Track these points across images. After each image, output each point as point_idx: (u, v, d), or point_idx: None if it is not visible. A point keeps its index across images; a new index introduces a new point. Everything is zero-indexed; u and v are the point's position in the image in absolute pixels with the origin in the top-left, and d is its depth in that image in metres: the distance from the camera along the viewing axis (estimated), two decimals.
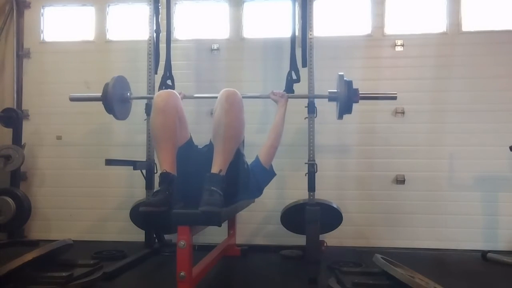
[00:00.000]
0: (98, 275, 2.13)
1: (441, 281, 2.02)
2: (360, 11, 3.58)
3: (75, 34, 3.81)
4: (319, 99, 2.88)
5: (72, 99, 3.02)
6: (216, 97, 2.02)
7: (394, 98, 2.88)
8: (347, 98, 2.64)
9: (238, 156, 2.05)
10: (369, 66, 3.48)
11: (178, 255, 1.69)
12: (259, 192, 2.49)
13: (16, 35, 3.75)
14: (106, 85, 2.80)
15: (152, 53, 3.16)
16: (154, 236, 3.18)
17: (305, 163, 2.80)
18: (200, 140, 2.29)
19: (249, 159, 2.36)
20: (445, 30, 3.48)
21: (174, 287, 1.70)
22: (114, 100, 2.80)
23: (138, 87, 3.22)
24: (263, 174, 2.43)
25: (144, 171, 3.01)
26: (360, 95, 2.69)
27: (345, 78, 2.67)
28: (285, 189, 3.42)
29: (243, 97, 2.04)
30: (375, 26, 3.53)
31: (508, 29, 3.42)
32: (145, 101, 3.14)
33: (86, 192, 3.62)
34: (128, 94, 3.00)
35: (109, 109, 2.82)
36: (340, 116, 2.77)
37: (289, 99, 2.73)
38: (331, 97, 2.82)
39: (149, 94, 3.10)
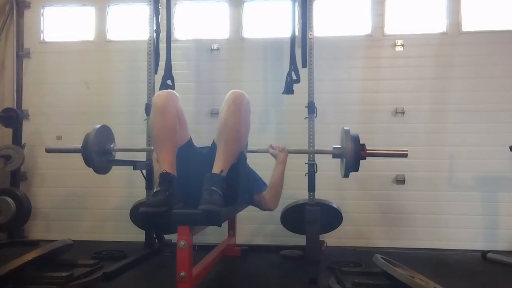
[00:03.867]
0: (98, 275, 2.13)
1: (441, 281, 2.02)
2: (360, 11, 3.58)
3: (75, 34, 3.81)
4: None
5: (48, 151, 2.86)
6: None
7: (405, 155, 2.56)
8: (354, 155, 2.38)
9: (241, 159, 2.04)
10: (369, 66, 3.48)
11: (178, 255, 1.69)
12: (249, 200, 2.46)
13: (16, 35, 3.75)
14: (87, 135, 2.55)
15: (152, 53, 3.16)
16: (154, 236, 3.18)
17: (305, 163, 2.80)
18: (201, 140, 2.28)
19: (248, 159, 2.35)
20: (445, 30, 3.47)
21: (174, 287, 1.70)
22: (95, 152, 2.54)
23: (138, 87, 3.23)
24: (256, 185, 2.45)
25: (144, 171, 3.01)
26: (368, 151, 2.43)
27: (351, 133, 2.42)
28: (285, 189, 3.38)
29: None
30: (375, 26, 3.52)
31: (508, 29, 3.42)
32: (145, 101, 3.14)
33: (86, 192, 3.61)
34: (112, 145, 2.74)
35: (88, 162, 2.55)
36: (346, 174, 2.50)
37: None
38: (336, 154, 2.60)
39: (149, 94, 3.09)
